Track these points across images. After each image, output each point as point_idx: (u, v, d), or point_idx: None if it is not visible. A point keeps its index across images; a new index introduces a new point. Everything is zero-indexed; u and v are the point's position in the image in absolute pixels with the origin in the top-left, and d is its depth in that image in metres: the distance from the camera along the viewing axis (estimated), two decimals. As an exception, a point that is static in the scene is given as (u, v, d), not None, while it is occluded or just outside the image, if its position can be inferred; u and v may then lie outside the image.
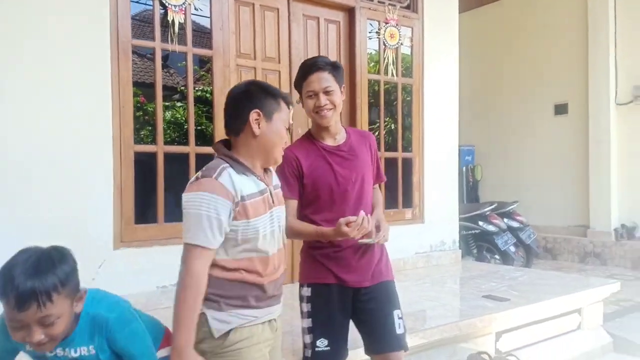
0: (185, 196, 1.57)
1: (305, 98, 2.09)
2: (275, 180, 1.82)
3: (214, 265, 1.60)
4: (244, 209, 1.59)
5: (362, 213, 1.87)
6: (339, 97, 2.08)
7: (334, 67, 2.08)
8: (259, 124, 1.65)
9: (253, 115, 1.65)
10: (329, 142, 2.13)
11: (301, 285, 2.18)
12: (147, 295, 3.55)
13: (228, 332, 1.61)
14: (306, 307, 2.13)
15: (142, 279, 3.56)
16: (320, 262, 2.11)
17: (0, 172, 3.14)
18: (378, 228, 2.09)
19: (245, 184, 1.61)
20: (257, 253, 1.65)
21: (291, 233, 2.00)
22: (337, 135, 2.15)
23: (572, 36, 7.70)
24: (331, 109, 2.05)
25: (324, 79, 2.04)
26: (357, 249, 2.10)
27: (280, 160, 1.79)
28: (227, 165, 1.61)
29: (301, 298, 2.16)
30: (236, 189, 1.56)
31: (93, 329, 1.50)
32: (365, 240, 2.02)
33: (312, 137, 2.17)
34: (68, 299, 1.41)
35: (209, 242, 1.54)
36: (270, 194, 1.72)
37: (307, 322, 2.12)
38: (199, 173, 1.62)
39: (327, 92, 2.04)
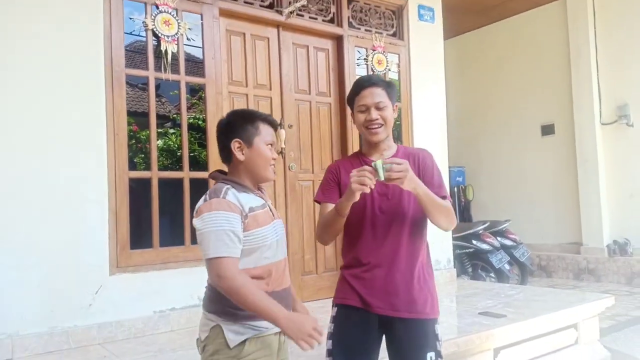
0: (199, 219, 1.70)
1: (357, 112, 2.05)
2: (268, 198, 1.93)
3: None
4: (254, 219, 1.73)
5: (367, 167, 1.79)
6: (391, 113, 2.03)
7: (387, 85, 2.06)
8: (242, 151, 1.81)
9: (234, 145, 1.81)
10: (374, 158, 2.03)
11: (332, 305, 2.12)
12: (145, 320, 3.55)
13: (243, 343, 1.70)
14: (330, 327, 2.06)
15: (139, 304, 3.56)
16: (348, 282, 2.04)
17: (-4, 200, 3.17)
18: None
19: (249, 199, 1.76)
20: (267, 260, 1.76)
21: (319, 231, 2.03)
22: (385, 152, 2.07)
23: (555, 59, 7.90)
24: (382, 124, 2.01)
25: (376, 94, 2.01)
26: (387, 269, 1.98)
27: (270, 178, 1.87)
28: (229, 186, 1.76)
29: (330, 317, 2.09)
30: (242, 203, 1.72)
31: None
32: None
33: (360, 153, 2.15)
34: None
35: (232, 251, 1.67)
36: (270, 207, 1.86)
37: (329, 344, 2.05)
38: (206, 197, 1.75)
39: (378, 107, 2.00)
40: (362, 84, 2.05)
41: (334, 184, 2.07)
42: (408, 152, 2.11)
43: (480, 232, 6.39)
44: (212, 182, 1.91)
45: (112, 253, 3.54)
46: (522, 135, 8.28)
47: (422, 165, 2.06)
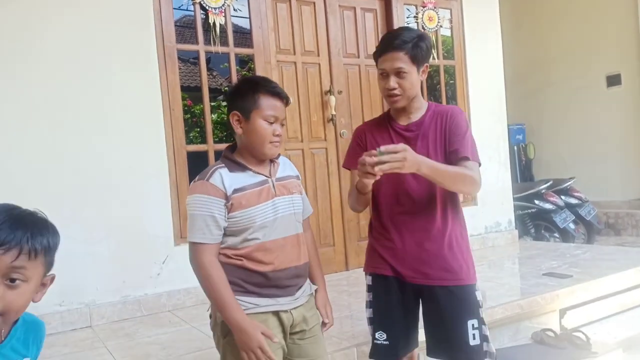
0: (187, 199, 1.70)
1: (378, 75, 1.94)
2: (282, 172, 1.82)
3: (220, 253, 1.70)
4: (237, 201, 1.66)
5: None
6: (414, 80, 1.88)
7: (414, 46, 1.85)
8: (240, 125, 1.71)
9: (233, 117, 1.72)
10: (401, 121, 1.97)
11: (365, 273, 2.08)
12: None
13: None
14: (368, 296, 2.03)
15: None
16: (378, 252, 1.99)
17: (63, 176, 3.35)
18: None
19: (239, 179, 1.69)
20: (256, 241, 1.69)
21: (350, 200, 2.00)
22: (412, 114, 1.96)
23: (621, 4, 7.36)
24: (400, 95, 1.88)
25: (397, 59, 1.84)
26: (415, 238, 1.91)
27: (270, 154, 1.75)
28: (222, 165, 1.71)
29: (366, 286, 2.05)
30: (225, 185, 1.66)
31: (28, 334, 1.25)
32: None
33: (387, 115, 2.04)
34: (43, 268, 1.18)
35: (207, 238, 1.64)
36: (273, 185, 1.75)
37: (369, 312, 2.02)
38: (197, 177, 1.72)
39: (398, 74, 1.85)
40: (384, 47, 1.89)
41: (359, 149, 1.97)
42: (437, 111, 1.96)
43: (543, 191, 6.16)
44: None
45: (175, 224, 3.68)
46: (585, 88, 7.83)
47: (448, 123, 1.91)
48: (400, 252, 1.93)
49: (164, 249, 3.62)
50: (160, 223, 3.63)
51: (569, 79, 8.02)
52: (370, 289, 2.02)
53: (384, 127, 2.00)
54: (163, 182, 3.66)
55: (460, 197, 2.01)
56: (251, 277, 1.68)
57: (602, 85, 7.68)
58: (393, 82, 1.86)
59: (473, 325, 1.89)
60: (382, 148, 1.64)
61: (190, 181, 3.71)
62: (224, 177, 1.67)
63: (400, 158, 1.63)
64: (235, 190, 1.67)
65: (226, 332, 1.68)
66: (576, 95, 7.94)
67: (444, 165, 1.81)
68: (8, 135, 3.21)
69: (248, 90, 1.71)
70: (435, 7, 5.07)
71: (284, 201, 1.77)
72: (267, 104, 1.70)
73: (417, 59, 1.87)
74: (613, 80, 7.57)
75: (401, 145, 1.66)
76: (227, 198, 1.66)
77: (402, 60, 1.84)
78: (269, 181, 1.75)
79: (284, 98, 1.74)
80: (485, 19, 5.41)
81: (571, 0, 7.93)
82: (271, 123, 1.70)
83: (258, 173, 1.73)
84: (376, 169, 1.61)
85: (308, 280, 1.85)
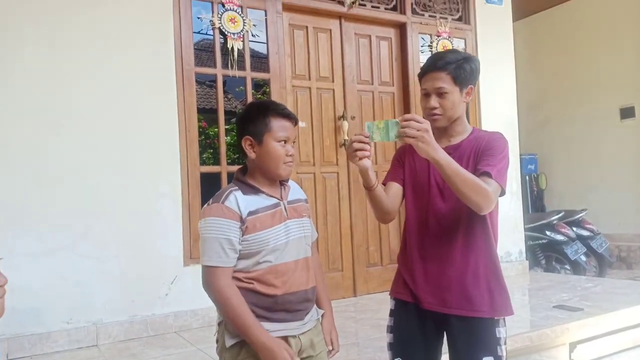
0: (200, 222, 1.69)
1: (421, 95, 1.94)
2: (293, 195, 1.84)
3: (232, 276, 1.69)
4: (252, 224, 1.67)
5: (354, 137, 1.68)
6: (456, 100, 1.86)
7: (458, 67, 1.84)
8: (253, 149, 1.72)
9: (245, 142, 1.73)
10: (442, 143, 1.89)
11: (390, 297, 2.03)
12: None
13: (241, 344, 1.65)
14: (389, 320, 2.00)
15: (211, 294, 3.71)
16: (402, 275, 1.96)
17: (76, 193, 3.39)
18: None
19: (253, 202, 1.70)
20: (268, 264, 1.69)
21: (374, 213, 1.97)
22: (452, 137, 1.93)
23: (635, 36, 7.39)
24: (440, 115, 1.86)
25: (439, 79, 1.84)
26: (437, 262, 1.86)
27: (285, 174, 1.76)
28: (236, 188, 1.71)
29: (389, 310, 2.02)
30: (241, 208, 1.66)
31: None
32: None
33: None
34: None
35: (223, 261, 1.64)
36: (285, 208, 1.76)
37: (389, 337, 1.98)
38: (210, 199, 1.72)
39: (440, 94, 1.84)
40: (427, 67, 1.90)
41: (398, 164, 1.99)
42: (478, 135, 1.91)
43: (555, 222, 6.12)
44: None
45: (186, 245, 3.70)
46: (599, 119, 7.82)
47: (483, 145, 1.84)
48: (421, 276, 1.88)
49: (174, 269, 3.64)
50: (171, 243, 3.65)
51: (582, 111, 8.02)
52: (392, 313, 2.00)
53: None
54: (176, 202, 3.69)
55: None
56: (261, 300, 1.67)
57: (615, 117, 7.67)
58: (434, 101, 1.86)
59: None
60: (407, 117, 1.64)
61: (202, 202, 3.78)
62: (239, 200, 1.67)
63: (423, 128, 1.61)
64: (250, 213, 1.67)
65: (234, 358, 1.67)
66: (589, 126, 7.93)
67: (458, 165, 1.72)
68: (24, 151, 3.28)
69: (258, 114, 1.73)
70: (449, 37, 5.13)
71: (295, 224, 1.77)
72: (278, 126, 1.71)
73: (460, 80, 1.85)
74: (627, 113, 7.55)
75: (425, 121, 1.66)
76: (242, 221, 1.66)
77: (443, 80, 1.84)
78: (280, 204, 1.76)
79: (293, 119, 1.76)
80: (500, 49, 5.46)
81: (585, 33, 7.98)
82: (284, 144, 1.72)
83: (271, 196, 1.74)
84: (392, 136, 1.62)
85: (315, 305, 1.85)
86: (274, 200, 1.74)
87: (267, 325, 1.66)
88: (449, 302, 1.83)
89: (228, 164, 3.98)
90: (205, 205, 1.73)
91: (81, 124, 3.43)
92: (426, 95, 1.90)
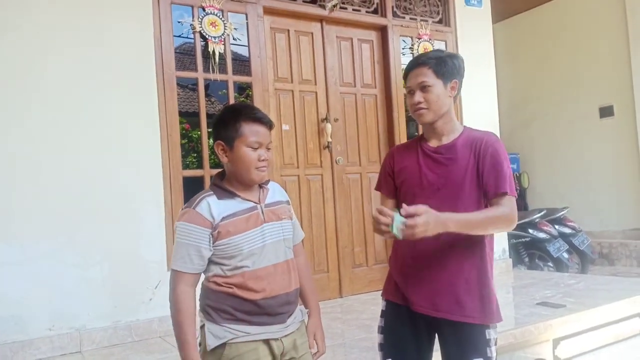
0: (175, 226, 1.72)
1: (407, 94, 1.95)
2: (272, 198, 1.82)
3: (210, 280, 1.70)
4: (225, 229, 1.67)
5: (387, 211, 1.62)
6: (440, 94, 1.86)
7: (439, 61, 1.87)
8: (225, 154, 1.72)
9: (217, 147, 1.73)
10: (432, 143, 1.93)
11: (382, 297, 2.04)
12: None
13: (223, 347, 1.66)
14: (380, 321, 2.01)
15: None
16: (394, 278, 1.96)
17: (59, 201, 3.35)
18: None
19: (227, 206, 1.69)
20: (245, 269, 1.68)
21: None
22: (444, 137, 1.92)
23: (613, 36, 7.52)
24: (426, 108, 1.87)
25: (421, 74, 1.86)
26: (432, 267, 1.85)
27: (257, 179, 1.73)
28: (210, 193, 1.71)
29: (381, 311, 2.03)
30: (213, 214, 1.66)
31: None
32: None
33: (421, 138, 2.01)
34: None
35: (187, 267, 1.65)
36: (262, 211, 1.75)
37: (380, 338, 1.99)
38: (185, 204, 1.74)
39: (423, 89, 1.86)
40: (410, 66, 1.93)
41: (387, 172, 2.00)
42: (471, 136, 1.91)
43: (537, 220, 6.20)
44: None
45: (169, 249, 3.67)
46: (578, 119, 7.94)
47: (481, 153, 1.83)
48: (413, 279, 1.89)
49: (157, 274, 3.61)
50: (153, 248, 3.62)
51: (562, 110, 8.14)
52: (383, 314, 2.01)
53: (413, 148, 1.98)
54: (158, 206, 3.67)
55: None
56: (242, 305, 1.67)
57: (595, 116, 7.79)
58: (418, 96, 1.87)
59: None
60: (403, 211, 1.60)
61: (185, 206, 3.77)
62: (212, 206, 1.67)
63: (423, 223, 1.58)
64: (224, 218, 1.67)
65: None
66: (570, 125, 8.06)
67: (472, 214, 1.76)
68: (4, 159, 3.23)
69: (230, 119, 1.72)
70: (430, 39, 5.17)
71: (273, 227, 1.76)
72: (250, 131, 1.69)
73: (442, 73, 1.87)
74: (606, 112, 7.68)
75: (422, 208, 1.61)
76: (213, 227, 1.66)
77: (425, 75, 1.86)
78: (257, 207, 1.75)
79: (266, 123, 1.73)
80: (480, 50, 5.52)
81: (564, 33, 8.10)
82: (255, 149, 1.69)
83: (247, 200, 1.73)
84: (398, 234, 1.59)
85: (299, 307, 1.84)
86: (250, 204, 1.73)
87: (249, 328, 1.67)
88: (439, 306, 1.84)
89: (211, 167, 3.96)
90: (181, 209, 1.74)
91: (60, 130, 3.39)
92: (410, 92, 1.92)
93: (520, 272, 5.62)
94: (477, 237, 1.85)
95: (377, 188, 2.08)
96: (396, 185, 1.98)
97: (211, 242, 1.66)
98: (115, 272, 3.49)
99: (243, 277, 1.67)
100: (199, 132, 3.94)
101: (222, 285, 1.68)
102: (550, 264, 6.08)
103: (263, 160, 1.71)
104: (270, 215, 1.77)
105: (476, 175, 1.83)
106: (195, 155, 4.01)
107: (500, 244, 5.44)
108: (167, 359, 3.12)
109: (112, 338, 3.45)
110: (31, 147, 3.31)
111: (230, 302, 1.66)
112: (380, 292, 2.08)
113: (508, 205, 1.79)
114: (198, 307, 1.74)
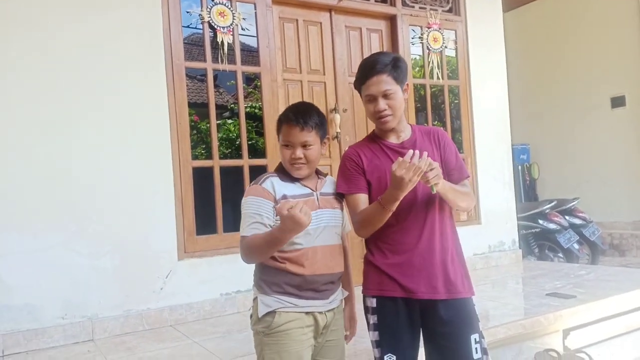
0: (243, 201, 1.90)
1: (365, 102, 2.00)
2: (326, 188, 1.99)
3: None
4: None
5: (409, 152, 1.72)
6: (400, 99, 1.96)
7: (394, 67, 1.94)
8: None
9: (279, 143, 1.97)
10: (392, 140, 2.03)
11: (365, 296, 2.02)
12: (212, 302, 3.72)
13: (273, 315, 1.83)
14: (372, 318, 1.99)
15: (206, 287, 3.73)
16: (386, 273, 1.95)
17: (70, 191, 3.39)
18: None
19: (288, 187, 1.90)
20: (298, 246, 1.84)
21: (360, 226, 1.95)
22: (401, 133, 2.03)
23: (625, 26, 7.43)
24: (390, 114, 1.95)
25: (383, 82, 1.92)
26: (424, 253, 1.93)
27: (295, 175, 1.91)
28: (275, 174, 1.94)
29: (366, 309, 2.02)
30: (276, 191, 1.87)
31: None
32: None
33: (376, 137, 2.07)
34: None
35: (254, 232, 1.82)
36: (317, 198, 1.93)
37: (375, 335, 1.99)
38: (252, 182, 1.95)
39: (386, 96, 1.93)
40: (366, 72, 1.95)
41: (357, 171, 1.98)
42: (425, 131, 2.09)
43: (547, 211, 6.16)
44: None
45: (179, 239, 3.71)
46: (590, 109, 7.87)
47: (442, 143, 2.05)
48: (409, 268, 1.93)
49: (168, 264, 3.64)
50: (164, 238, 3.65)
51: (573, 100, 8.07)
52: (375, 311, 1.99)
53: (377, 147, 2.03)
54: (168, 197, 3.69)
55: (465, 217, 2.06)
56: (291, 279, 1.84)
57: (606, 106, 7.72)
58: (382, 104, 1.94)
59: (475, 339, 1.93)
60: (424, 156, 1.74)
61: (195, 196, 3.79)
62: (275, 184, 1.88)
63: (439, 173, 1.77)
64: (286, 196, 1.85)
65: (269, 330, 1.82)
66: (581, 116, 7.99)
67: (453, 184, 1.96)
68: (17, 150, 3.26)
69: (278, 119, 1.96)
70: (440, 28, 5.13)
71: (326, 213, 1.93)
72: (284, 131, 1.90)
73: (399, 79, 1.96)
74: (617, 102, 7.61)
75: (435, 162, 1.77)
76: (275, 201, 1.84)
77: (387, 82, 1.93)
78: (314, 194, 1.93)
79: (298, 124, 1.86)
80: (491, 40, 5.47)
81: (576, 23, 8.01)
82: (288, 147, 1.89)
83: (305, 186, 1.93)
84: (429, 175, 1.73)
85: (340, 289, 2.00)
86: (308, 190, 1.92)
87: (296, 300, 1.84)
88: (437, 288, 1.93)
89: (221, 158, 3.97)
90: (248, 187, 1.94)
91: (72, 122, 3.41)
92: (371, 100, 1.97)
93: (530, 263, 5.60)
94: (450, 218, 2.04)
95: (350, 190, 1.99)
96: (368, 182, 1.99)
97: (274, 214, 1.82)
98: (126, 262, 3.52)
99: (296, 252, 1.84)
100: (208, 124, 3.94)
101: (277, 260, 1.84)
102: (560, 254, 6.06)
103: (294, 158, 1.87)
104: (325, 202, 1.94)
105: (440, 163, 1.95)
106: (204, 146, 4.01)
107: (510, 234, 5.42)
108: (178, 347, 3.15)
109: (124, 327, 3.49)
110: (42, 138, 3.33)
111: (281, 277, 1.84)
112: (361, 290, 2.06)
113: (469, 187, 2.07)
114: (252, 282, 1.94)
